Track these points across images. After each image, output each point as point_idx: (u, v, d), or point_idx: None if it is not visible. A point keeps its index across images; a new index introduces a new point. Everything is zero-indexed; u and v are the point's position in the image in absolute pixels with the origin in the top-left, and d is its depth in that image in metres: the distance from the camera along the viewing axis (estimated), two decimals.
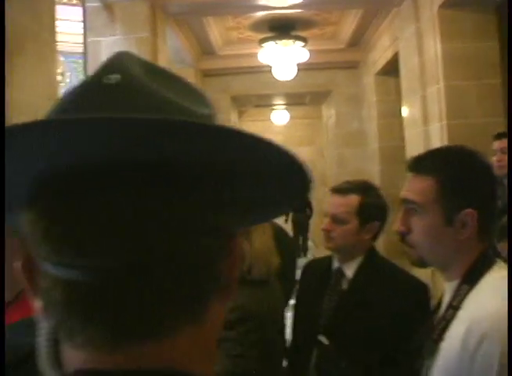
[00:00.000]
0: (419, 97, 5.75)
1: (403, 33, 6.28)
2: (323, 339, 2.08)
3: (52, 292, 0.51)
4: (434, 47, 5.34)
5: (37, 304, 0.55)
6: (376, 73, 8.25)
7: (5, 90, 2.74)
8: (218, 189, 0.53)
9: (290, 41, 7.89)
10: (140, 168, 0.49)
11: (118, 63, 0.53)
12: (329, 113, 10.57)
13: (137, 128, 0.45)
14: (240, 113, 11.93)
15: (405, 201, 1.47)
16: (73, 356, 0.52)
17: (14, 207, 0.55)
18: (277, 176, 0.54)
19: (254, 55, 8.36)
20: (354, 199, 2.22)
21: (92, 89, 0.51)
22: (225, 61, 9.08)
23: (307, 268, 2.55)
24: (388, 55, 7.38)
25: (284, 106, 12.24)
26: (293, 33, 7.92)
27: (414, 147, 5.93)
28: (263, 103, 11.46)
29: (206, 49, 8.82)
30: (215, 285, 0.54)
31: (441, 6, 5.15)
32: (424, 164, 1.47)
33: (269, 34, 7.97)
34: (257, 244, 2.15)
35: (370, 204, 2.25)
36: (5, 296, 1.32)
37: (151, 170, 0.49)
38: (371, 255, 2.29)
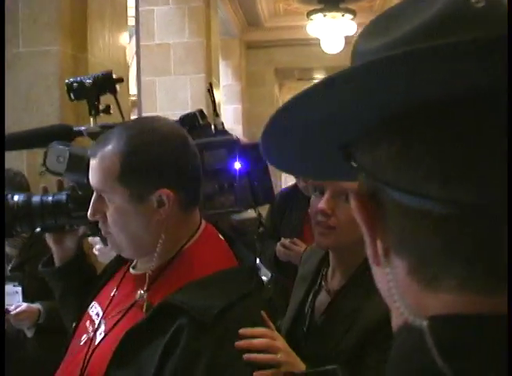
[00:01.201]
0: None
1: None
2: None
3: (414, 231, 0.49)
4: None
5: (379, 245, 0.53)
6: None
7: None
8: None
9: (339, 14, 7.81)
10: None
11: None
12: None
13: None
14: (280, 87, 11.87)
15: None
16: (434, 301, 0.49)
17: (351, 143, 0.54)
18: None
19: (300, 27, 8.30)
20: None
21: (464, 13, 0.48)
22: (271, 33, 9.04)
23: None
24: None
25: None
26: (342, 5, 7.84)
27: None
28: (305, 76, 11.39)
29: (252, 21, 8.78)
30: None
31: None
32: None
33: (318, 6, 7.90)
34: None
35: None
36: (153, 265, 1.29)
37: None
38: None
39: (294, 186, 3.40)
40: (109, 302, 1.36)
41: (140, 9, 6.20)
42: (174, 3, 6.16)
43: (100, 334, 1.30)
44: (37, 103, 2.78)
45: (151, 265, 1.29)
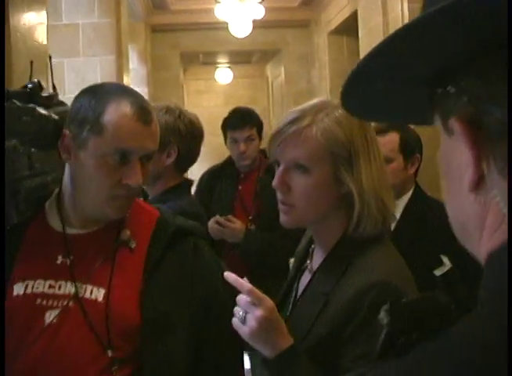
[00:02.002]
0: None
1: None
2: None
3: None
4: (400, 6, 5.43)
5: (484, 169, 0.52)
6: (329, 32, 8.32)
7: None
8: None
9: None
10: None
11: None
12: (275, 72, 10.60)
13: None
14: (184, 71, 11.79)
15: None
16: None
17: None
18: None
19: (207, 11, 8.26)
20: (394, 136, 2.32)
21: None
22: (177, 16, 8.93)
23: None
24: (345, 14, 7.44)
25: (227, 65, 12.15)
26: None
27: None
28: (210, 60, 11.35)
29: (158, 4, 8.64)
30: None
31: None
32: None
33: None
34: (366, 178, 1.40)
35: (410, 138, 2.35)
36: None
37: None
38: (417, 194, 2.37)
39: (224, 163, 3.42)
40: (71, 268, 1.36)
41: None
42: None
43: (95, 291, 1.32)
44: None
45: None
